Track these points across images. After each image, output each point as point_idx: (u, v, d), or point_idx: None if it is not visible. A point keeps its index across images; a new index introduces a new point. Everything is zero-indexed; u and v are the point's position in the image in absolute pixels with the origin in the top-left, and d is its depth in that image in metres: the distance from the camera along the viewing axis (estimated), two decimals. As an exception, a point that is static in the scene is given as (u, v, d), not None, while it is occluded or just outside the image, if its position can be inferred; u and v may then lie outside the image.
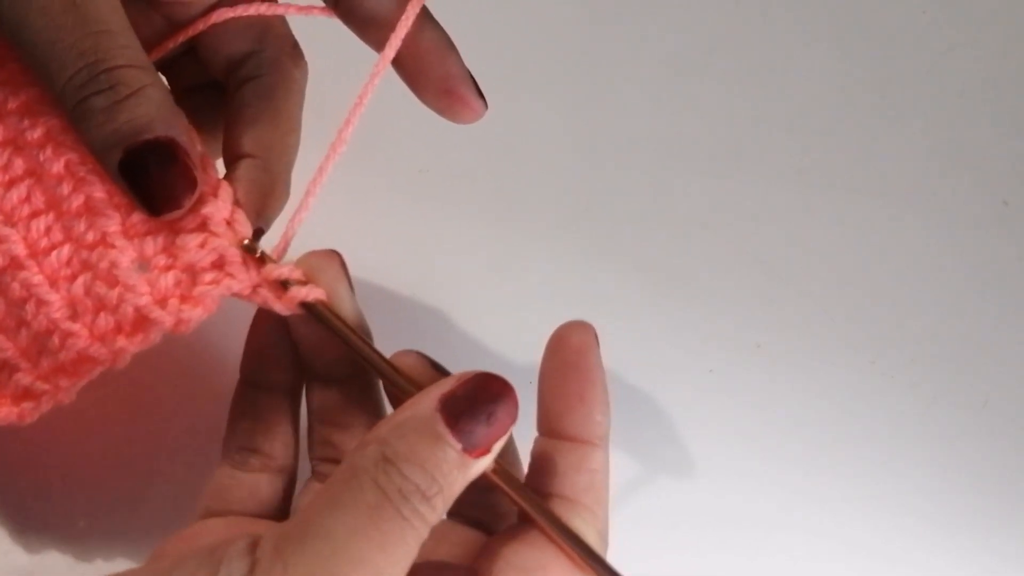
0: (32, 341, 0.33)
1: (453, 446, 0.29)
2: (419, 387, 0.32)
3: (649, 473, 0.44)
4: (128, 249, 0.33)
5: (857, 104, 0.52)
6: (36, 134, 0.33)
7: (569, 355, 0.33)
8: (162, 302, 0.32)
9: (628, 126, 0.51)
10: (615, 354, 0.46)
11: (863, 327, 0.48)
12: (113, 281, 0.32)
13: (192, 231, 0.33)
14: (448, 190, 0.49)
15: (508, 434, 0.30)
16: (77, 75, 0.31)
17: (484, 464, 0.30)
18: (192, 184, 0.32)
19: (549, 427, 0.33)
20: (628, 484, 0.44)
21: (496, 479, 0.31)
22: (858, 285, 0.48)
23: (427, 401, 0.30)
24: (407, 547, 0.28)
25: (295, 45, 0.38)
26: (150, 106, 0.31)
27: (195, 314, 0.32)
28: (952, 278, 0.49)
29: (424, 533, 0.29)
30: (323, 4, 0.36)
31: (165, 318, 0.32)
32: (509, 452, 0.34)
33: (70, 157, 0.33)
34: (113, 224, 0.33)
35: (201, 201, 0.33)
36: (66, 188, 0.33)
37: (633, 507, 0.43)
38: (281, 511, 0.36)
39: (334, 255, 0.34)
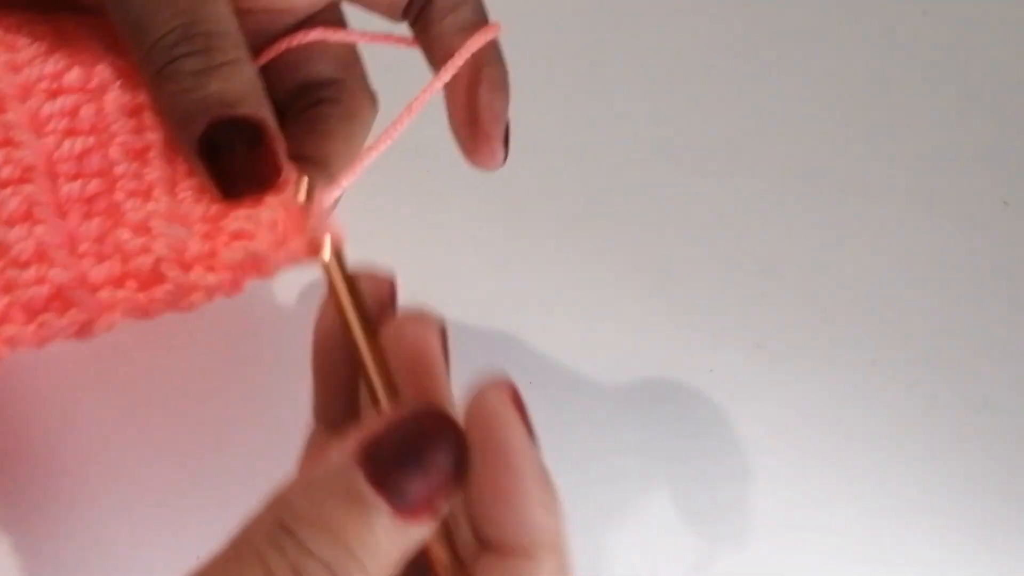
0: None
1: (378, 507, 0.22)
2: (391, 396, 0.25)
3: (648, 473, 0.44)
4: (170, 204, 0.30)
5: (857, 104, 0.52)
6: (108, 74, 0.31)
7: (483, 431, 0.24)
8: (184, 264, 0.29)
9: (628, 126, 0.51)
10: (615, 354, 0.46)
11: (863, 327, 0.48)
12: (142, 230, 0.29)
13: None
14: (450, 190, 0.49)
15: (458, 492, 0.23)
16: (170, 33, 0.28)
17: (425, 531, 0.23)
18: (277, 171, 0.29)
19: (474, 531, 0.25)
20: (627, 484, 0.44)
21: (441, 553, 0.24)
22: (858, 285, 0.48)
23: (342, 450, 0.23)
24: None
25: (371, 87, 0.37)
26: (243, 80, 0.29)
27: (212, 281, 0.28)
28: (952, 278, 0.49)
29: None
30: (407, 37, 0.36)
31: (182, 278, 0.28)
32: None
33: (141, 101, 0.31)
34: (163, 176, 0.30)
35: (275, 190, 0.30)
36: (123, 125, 0.31)
37: (632, 507, 0.43)
38: None
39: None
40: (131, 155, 0.30)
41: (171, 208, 0.29)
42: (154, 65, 0.29)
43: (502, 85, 0.35)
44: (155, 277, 0.28)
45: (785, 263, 0.49)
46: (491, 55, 0.34)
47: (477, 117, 0.34)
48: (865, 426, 0.46)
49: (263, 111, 0.29)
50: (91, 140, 0.30)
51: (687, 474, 0.45)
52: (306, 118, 0.36)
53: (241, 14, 0.33)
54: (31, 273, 0.28)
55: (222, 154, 0.28)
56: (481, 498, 0.24)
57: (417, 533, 0.23)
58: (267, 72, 0.36)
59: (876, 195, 0.50)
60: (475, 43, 0.34)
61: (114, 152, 0.30)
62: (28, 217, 0.29)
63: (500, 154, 0.35)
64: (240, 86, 0.29)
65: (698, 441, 0.45)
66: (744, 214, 0.49)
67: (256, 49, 0.35)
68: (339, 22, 0.37)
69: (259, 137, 0.28)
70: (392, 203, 0.48)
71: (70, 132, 0.30)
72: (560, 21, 0.53)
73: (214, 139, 0.28)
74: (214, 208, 0.29)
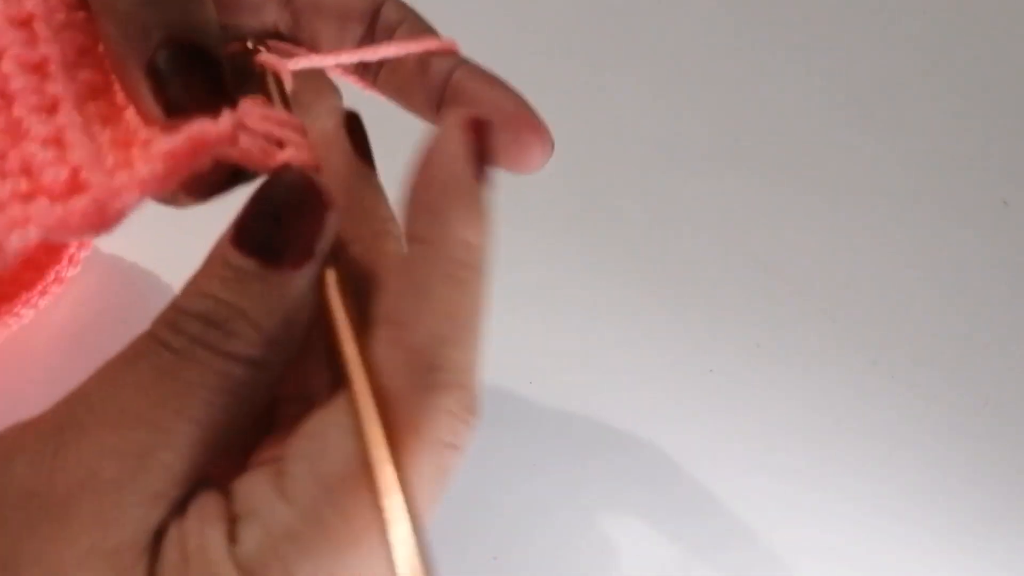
0: None
1: (239, 260, 0.23)
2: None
3: (648, 473, 0.44)
4: (82, 121, 0.27)
5: (857, 104, 0.52)
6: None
7: (426, 149, 0.25)
8: (107, 171, 0.26)
9: (628, 126, 0.51)
10: (615, 354, 0.46)
11: (863, 327, 0.48)
12: (53, 143, 0.26)
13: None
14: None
15: (328, 232, 0.24)
16: None
17: (307, 277, 0.23)
18: (219, 106, 0.25)
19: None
20: (628, 484, 0.44)
21: (330, 298, 0.24)
22: (858, 285, 0.48)
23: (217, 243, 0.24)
24: (193, 391, 0.22)
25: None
26: (212, 14, 0.26)
27: (146, 172, 0.25)
28: (952, 278, 0.49)
29: (230, 368, 0.23)
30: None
31: (106, 183, 0.25)
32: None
33: (31, 11, 0.28)
34: (69, 92, 0.27)
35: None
36: (14, 37, 0.28)
37: (631, 505, 0.43)
38: None
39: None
40: (27, 69, 0.28)
41: (84, 124, 0.27)
42: None
43: (498, 81, 0.32)
44: (73, 186, 0.26)
45: (785, 263, 0.49)
46: (468, 70, 0.32)
47: (513, 118, 0.31)
48: (865, 426, 0.46)
49: (219, 48, 0.26)
50: None
51: (687, 473, 0.45)
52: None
53: None
54: None
55: (169, 80, 0.26)
56: (409, 210, 0.24)
57: (301, 281, 0.23)
58: None
59: (876, 195, 0.50)
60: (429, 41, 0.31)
61: (7, 66, 0.27)
62: None
63: (549, 134, 0.31)
64: (210, 16, 0.26)
65: (698, 441, 0.45)
66: (744, 214, 0.49)
67: None
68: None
69: (215, 71, 0.26)
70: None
71: None
72: (560, 21, 0.53)
73: (169, 62, 0.26)
74: (122, 133, 0.27)
